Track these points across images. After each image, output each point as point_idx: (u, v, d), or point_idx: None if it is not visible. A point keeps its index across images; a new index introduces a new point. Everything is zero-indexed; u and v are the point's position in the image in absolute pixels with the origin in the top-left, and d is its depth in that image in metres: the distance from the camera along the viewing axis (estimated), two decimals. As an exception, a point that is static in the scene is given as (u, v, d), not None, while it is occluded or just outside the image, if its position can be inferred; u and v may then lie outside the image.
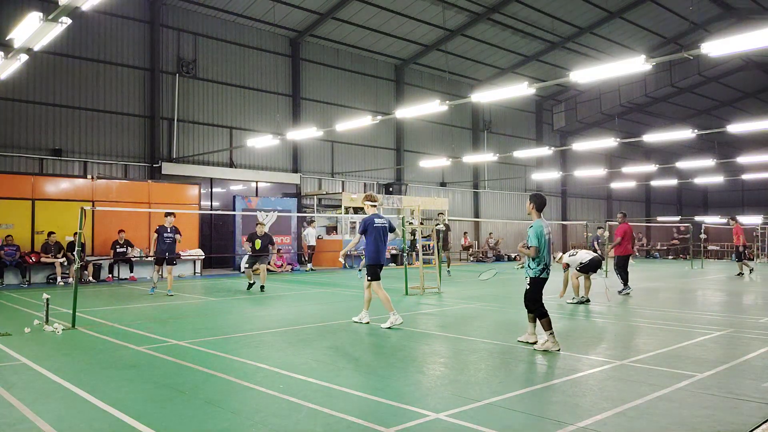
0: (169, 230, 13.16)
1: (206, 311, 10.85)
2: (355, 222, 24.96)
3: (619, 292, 13.11)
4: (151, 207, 18.04)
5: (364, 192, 27.15)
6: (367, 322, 8.88)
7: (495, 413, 4.63)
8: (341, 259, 10.01)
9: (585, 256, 11.52)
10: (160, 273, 13.76)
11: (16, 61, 10.75)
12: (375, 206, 9.21)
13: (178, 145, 21.94)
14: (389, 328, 8.51)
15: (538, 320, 7.13)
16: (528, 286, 7.18)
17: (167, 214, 13.32)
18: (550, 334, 6.92)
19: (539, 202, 7.22)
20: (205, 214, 21.75)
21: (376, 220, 8.98)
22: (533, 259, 7.04)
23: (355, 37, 26.03)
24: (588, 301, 11.55)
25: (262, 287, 13.85)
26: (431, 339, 7.95)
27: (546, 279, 7.13)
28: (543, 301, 7.15)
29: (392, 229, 9.30)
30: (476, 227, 33.07)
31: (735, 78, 33.87)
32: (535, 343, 7.13)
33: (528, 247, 7.07)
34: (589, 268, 11.43)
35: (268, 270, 20.56)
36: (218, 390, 5.32)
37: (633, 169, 36.39)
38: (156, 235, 13.24)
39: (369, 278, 8.93)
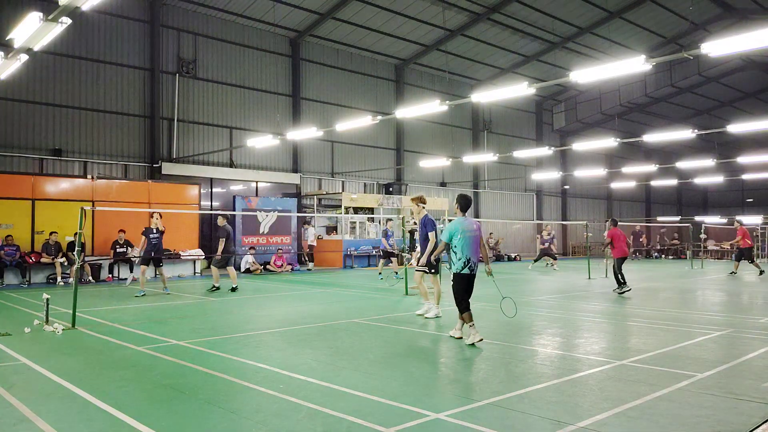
0: (154, 230, 13.20)
1: (206, 311, 10.84)
2: (355, 222, 24.99)
3: (614, 290, 13.59)
4: (151, 207, 18.01)
5: (365, 192, 27.26)
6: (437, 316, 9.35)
7: (495, 413, 4.63)
8: (420, 262, 9.80)
9: None
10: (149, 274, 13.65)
11: (16, 61, 10.74)
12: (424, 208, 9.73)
13: (178, 145, 21.94)
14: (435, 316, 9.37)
15: (460, 315, 7.50)
16: (452, 282, 7.52)
17: (152, 215, 13.38)
18: (471, 326, 7.33)
19: (464, 203, 7.75)
20: (205, 214, 21.75)
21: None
22: (455, 254, 7.42)
23: (355, 37, 26.02)
24: None
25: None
26: (431, 339, 7.95)
27: (469, 275, 7.39)
28: (465, 297, 7.44)
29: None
30: (476, 227, 33.01)
31: (735, 78, 33.86)
32: (460, 338, 7.51)
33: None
34: None
35: (268, 270, 20.70)
36: (218, 390, 5.32)
37: (633, 169, 36.39)
38: (143, 237, 13.33)
39: (430, 271, 9.59)
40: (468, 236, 7.44)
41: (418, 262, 9.79)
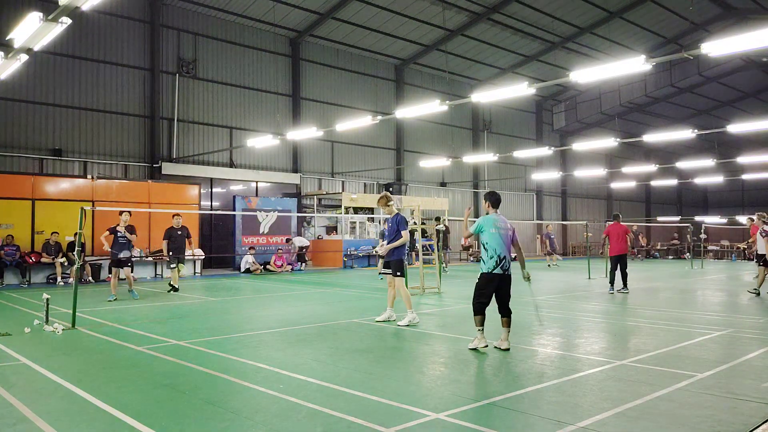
0: (122, 230, 12.26)
1: (206, 311, 10.84)
2: (355, 222, 24.99)
3: (613, 291, 13.42)
4: (151, 207, 18.04)
5: (365, 192, 27.25)
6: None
7: (495, 413, 4.63)
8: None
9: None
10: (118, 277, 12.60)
11: (16, 61, 10.75)
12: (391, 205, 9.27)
13: (178, 145, 21.94)
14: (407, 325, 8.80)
15: (477, 318, 6.93)
16: (477, 280, 7.02)
17: (121, 212, 12.45)
18: (480, 330, 6.88)
19: (494, 200, 7.38)
20: (205, 214, 21.76)
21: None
22: (485, 251, 6.98)
23: (355, 37, 26.03)
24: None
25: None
26: (431, 339, 7.95)
27: (501, 275, 6.88)
28: (487, 301, 6.91)
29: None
30: (476, 227, 33.02)
31: (735, 78, 33.87)
32: (507, 350, 6.81)
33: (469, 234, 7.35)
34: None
35: (268, 270, 20.69)
36: (218, 390, 5.32)
37: (633, 169, 36.38)
38: (112, 236, 12.32)
39: (396, 273, 9.05)
40: (501, 232, 6.94)
41: (382, 251, 9.36)
